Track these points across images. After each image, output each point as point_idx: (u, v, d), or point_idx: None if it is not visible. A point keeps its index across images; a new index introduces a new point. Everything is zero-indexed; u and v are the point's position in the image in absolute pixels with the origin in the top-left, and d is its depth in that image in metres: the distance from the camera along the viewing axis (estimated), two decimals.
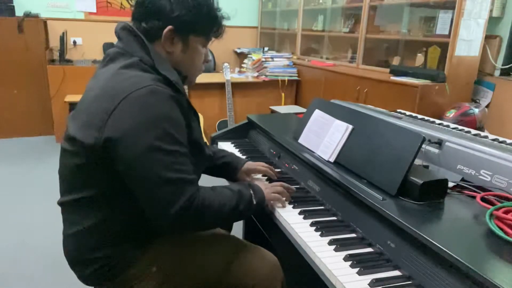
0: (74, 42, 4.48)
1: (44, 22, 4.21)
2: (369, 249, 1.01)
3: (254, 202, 1.14)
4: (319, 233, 1.07)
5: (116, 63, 1.05)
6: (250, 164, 1.44)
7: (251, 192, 1.15)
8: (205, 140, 3.81)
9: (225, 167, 1.43)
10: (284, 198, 1.23)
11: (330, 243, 1.03)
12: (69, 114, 1.11)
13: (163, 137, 0.96)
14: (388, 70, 3.19)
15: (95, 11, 4.55)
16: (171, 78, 1.05)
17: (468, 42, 2.74)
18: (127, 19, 1.14)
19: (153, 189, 0.96)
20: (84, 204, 1.06)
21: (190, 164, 1.02)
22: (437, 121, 1.85)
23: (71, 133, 1.03)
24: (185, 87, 3.75)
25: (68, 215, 1.12)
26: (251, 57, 4.29)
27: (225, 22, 1.17)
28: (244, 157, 1.63)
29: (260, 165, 1.44)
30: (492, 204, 1.02)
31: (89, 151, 0.99)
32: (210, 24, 1.13)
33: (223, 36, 1.18)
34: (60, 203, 1.12)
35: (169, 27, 1.06)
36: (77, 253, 1.10)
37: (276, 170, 1.44)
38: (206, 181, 1.19)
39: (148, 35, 1.07)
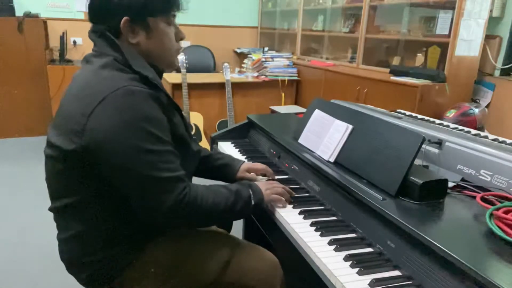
0: (74, 42, 4.48)
1: (44, 22, 4.21)
2: (369, 249, 1.01)
3: (253, 203, 1.13)
4: (319, 233, 1.07)
5: (90, 65, 1.05)
6: (248, 164, 1.43)
7: (250, 192, 1.14)
8: (204, 139, 3.77)
9: (223, 168, 1.40)
10: (284, 199, 1.22)
11: (330, 243, 1.03)
12: (51, 121, 1.09)
13: (145, 138, 0.95)
14: (388, 70, 3.18)
15: None
16: (145, 74, 1.02)
17: (468, 42, 2.74)
18: None
19: (142, 190, 0.96)
20: (72, 210, 1.05)
21: (177, 160, 1.01)
22: (437, 121, 1.85)
23: (51, 140, 1.02)
24: (184, 85, 3.68)
25: (60, 221, 1.12)
26: (251, 57, 4.28)
27: None
28: (244, 157, 1.64)
29: (258, 164, 1.42)
30: (492, 204, 1.01)
31: (69, 156, 0.98)
32: (163, 0, 1.07)
33: (187, 7, 1.12)
34: (51, 209, 1.12)
35: (124, 18, 1.03)
36: (72, 258, 1.10)
37: (275, 170, 1.44)
38: (204, 183, 1.18)
39: (111, 34, 1.05)
